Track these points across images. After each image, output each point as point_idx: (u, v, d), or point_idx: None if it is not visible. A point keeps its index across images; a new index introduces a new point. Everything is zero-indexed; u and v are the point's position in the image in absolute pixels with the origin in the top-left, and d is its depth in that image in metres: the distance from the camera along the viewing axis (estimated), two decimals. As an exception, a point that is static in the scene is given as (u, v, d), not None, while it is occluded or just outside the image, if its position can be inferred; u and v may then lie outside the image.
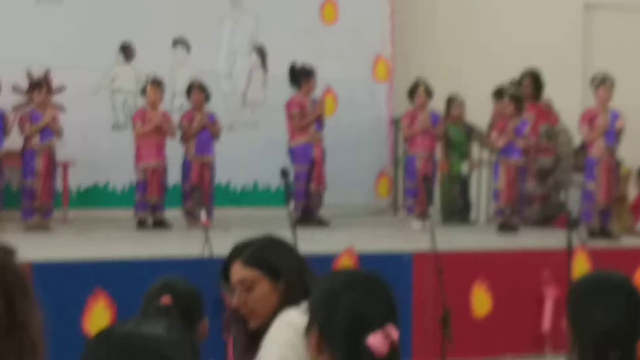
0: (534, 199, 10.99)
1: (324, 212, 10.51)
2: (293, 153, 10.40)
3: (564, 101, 11.61)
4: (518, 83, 11.11)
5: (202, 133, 10.03)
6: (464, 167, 11.13)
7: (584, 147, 10.47)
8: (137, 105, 10.47)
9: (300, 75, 10.44)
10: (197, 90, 10.08)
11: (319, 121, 10.42)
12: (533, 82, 11.35)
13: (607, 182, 9.71)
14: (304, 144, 10.37)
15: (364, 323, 2.64)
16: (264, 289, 3.44)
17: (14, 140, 9.72)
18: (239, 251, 3.53)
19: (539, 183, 11.16)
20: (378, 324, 2.63)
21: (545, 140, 10.84)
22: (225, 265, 3.55)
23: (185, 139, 10.05)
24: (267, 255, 3.48)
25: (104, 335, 1.97)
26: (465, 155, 11.19)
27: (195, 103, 10.08)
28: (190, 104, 10.19)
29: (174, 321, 2.44)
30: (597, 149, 9.76)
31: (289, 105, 10.40)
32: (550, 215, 11.02)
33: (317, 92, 10.76)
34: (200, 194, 8.92)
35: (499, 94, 10.80)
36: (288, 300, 3.42)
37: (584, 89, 11.37)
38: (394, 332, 2.61)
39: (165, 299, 3.29)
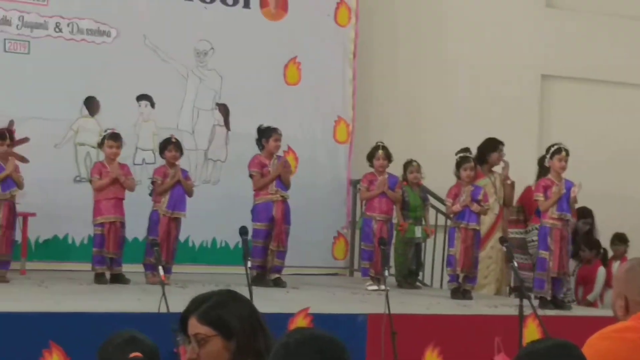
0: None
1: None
2: (254, 211, 10.47)
3: (520, 169, 11.79)
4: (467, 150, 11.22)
5: (175, 189, 10.08)
6: (418, 231, 11.23)
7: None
8: (100, 159, 10.51)
9: (262, 135, 10.54)
10: (174, 147, 10.14)
11: (280, 180, 10.49)
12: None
13: (559, 251, 9.86)
14: (264, 202, 10.45)
15: None
16: (216, 346, 3.49)
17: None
18: (196, 305, 3.59)
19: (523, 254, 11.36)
20: None
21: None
22: (182, 317, 3.61)
23: (157, 193, 10.08)
24: (221, 313, 3.52)
25: None
26: (420, 219, 11.31)
27: (170, 159, 10.13)
28: (164, 160, 10.19)
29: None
30: (550, 218, 9.91)
31: (249, 165, 10.49)
32: None
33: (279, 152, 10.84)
34: (159, 249, 8.92)
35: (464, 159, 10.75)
36: (239, 359, 3.50)
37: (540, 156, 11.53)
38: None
39: (136, 355, 3.37)
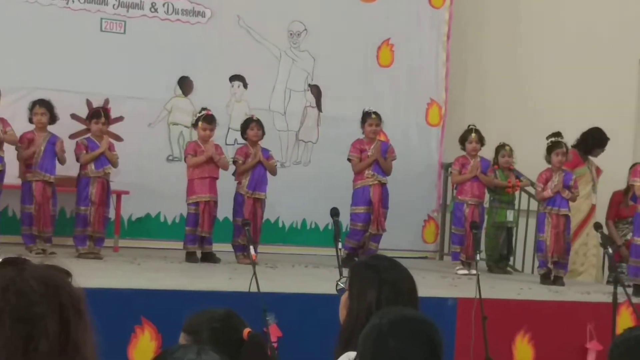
0: None
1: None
2: (353, 196, 10.51)
3: (616, 156, 11.60)
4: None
5: (256, 169, 10.12)
6: (510, 215, 11.13)
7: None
8: (193, 138, 10.60)
9: (362, 119, 10.56)
10: (256, 125, 10.18)
11: (378, 164, 10.47)
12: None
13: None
14: (362, 187, 10.47)
15: None
16: (345, 297, 3.71)
17: (70, 168, 9.86)
18: (363, 257, 3.81)
19: None
20: None
21: None
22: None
23: (238, 173, 10.14)
24: (356, 276, 3.70)
25: None
26: (512, 202, 11.20)
27: (253, 137, 10.17)
28: (246, 139, 10.25)
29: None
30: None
31: (350, 149, 10.53)
32: None
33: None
34: (250, 229, 8.97)
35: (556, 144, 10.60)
36: (349, 320, 3.60)
37: (636, 144, 11.37)
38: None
39: (249, 330, 3.45)
